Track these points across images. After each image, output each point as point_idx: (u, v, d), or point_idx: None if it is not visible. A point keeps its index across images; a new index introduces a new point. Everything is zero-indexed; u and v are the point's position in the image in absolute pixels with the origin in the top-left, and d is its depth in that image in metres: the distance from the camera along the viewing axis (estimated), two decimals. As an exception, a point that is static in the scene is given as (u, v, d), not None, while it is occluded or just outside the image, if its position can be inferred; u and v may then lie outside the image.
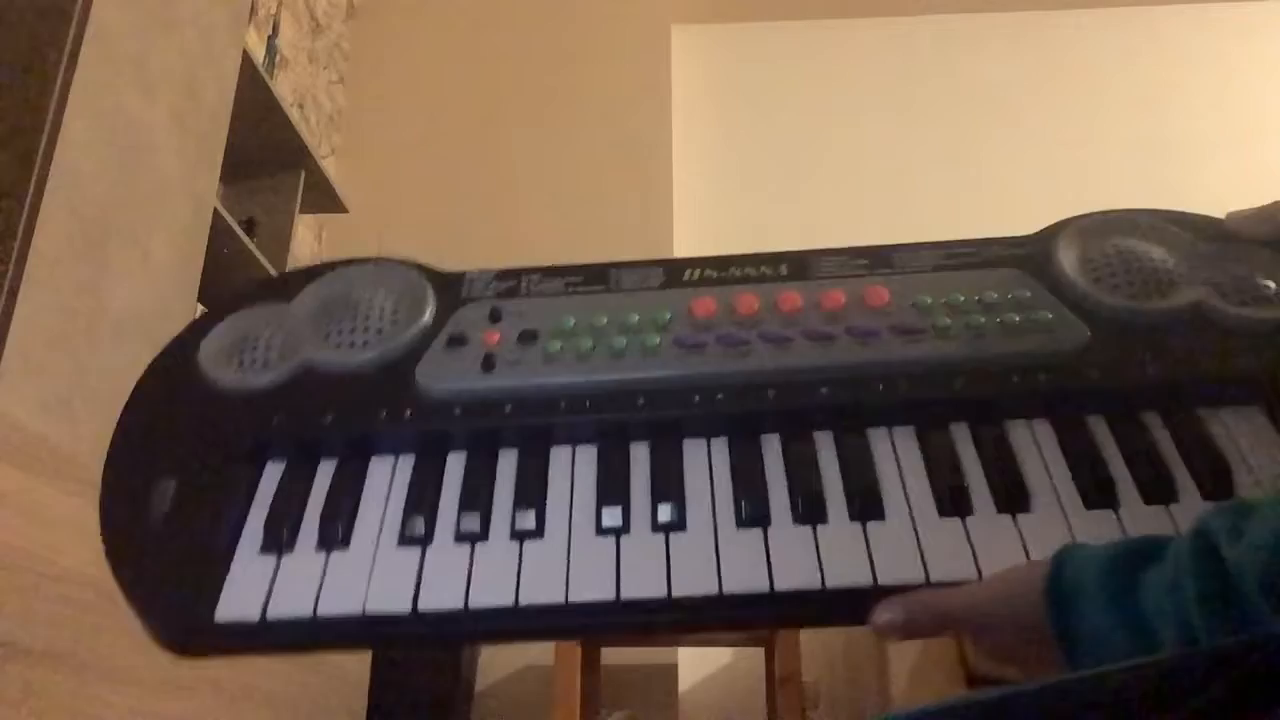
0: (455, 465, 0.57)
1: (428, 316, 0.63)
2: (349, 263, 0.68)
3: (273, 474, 0.57)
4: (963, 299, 0.61)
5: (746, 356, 0.59)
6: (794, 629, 1.90)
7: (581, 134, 3.21)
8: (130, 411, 0.61)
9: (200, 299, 1.90)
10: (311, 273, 0.67)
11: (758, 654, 2.52)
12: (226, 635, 0.51)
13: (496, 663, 2.60)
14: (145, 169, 1.65)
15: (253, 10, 2.50)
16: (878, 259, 0.65)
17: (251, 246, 2.21)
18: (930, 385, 0.57)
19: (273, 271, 2.30)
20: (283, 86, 2.80)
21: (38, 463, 1.10)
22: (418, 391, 0.59)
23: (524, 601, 0.50)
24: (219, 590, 0.51)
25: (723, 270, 0.65)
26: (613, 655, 2.54)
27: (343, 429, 0.58)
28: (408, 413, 0.58)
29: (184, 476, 0.56)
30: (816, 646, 2.54)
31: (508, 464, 0.57)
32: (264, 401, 0.59)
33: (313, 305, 0.65)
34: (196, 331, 0.64)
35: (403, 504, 0.55)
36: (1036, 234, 0.65)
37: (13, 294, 1.31)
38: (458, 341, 0.61)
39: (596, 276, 0.66)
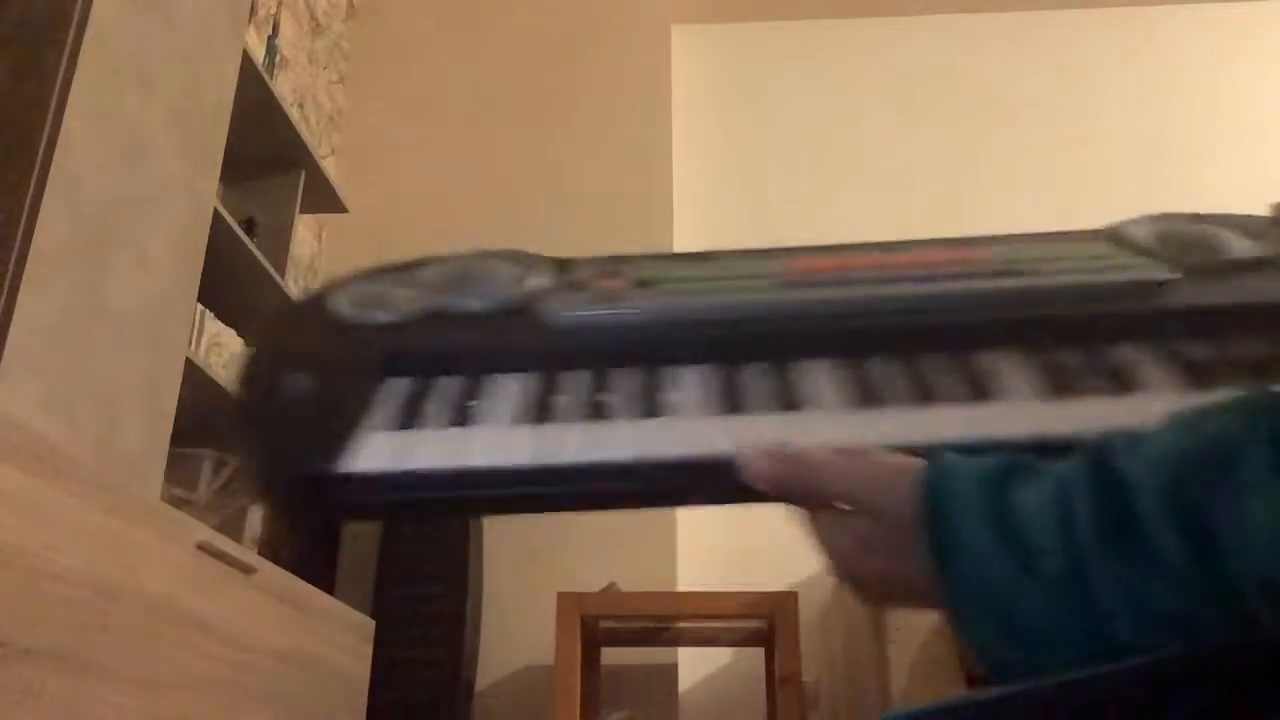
0: (569, 378, 0.62)
1: (545, 279, 0.71)
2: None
3: (397, 384, 0.62)
4: (1049, 256, 0.66)
5: (846, 289, 0.65)
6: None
7: (581, 134, 3.21)
8: (262, 336, 0.68)
9: (200, 299, 1.90)
10: (439, 257, 0.76)
11: (758, 654, 2.52)
12: (330, 488, 0.55)
13: (496, 663, 2.60)
14: (145, 169, 1.65)
15: (253, 10, 2.49)
16: (964, 242, 0.71)
17: (251, 246, 2.21)
18: (1021, 309, 0.62)
19: (273, 271, 2.30)
20: (283, 86, 2.80)
21: (38, 463, 1.10)
22: (538, 321, 0.65)
23: (635, 457, 0.54)
24: (330, 456, 0.56)
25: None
26: (613, 655, 2.54)
27: (467, 348, 0.65)
28: (528, 337, 0.65)
29: (317, 374, 0.62)
30: (816, 646, 2.54)
31: (620, 379, 0.61)
32: (391, 330, 0.67)
33: (439, 273, 0.73)
34: (323, 287, 0.71)
35: (519, 399, 0.60)
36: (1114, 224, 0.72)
37: (13, 294, 1.31)
38: (577, 287, 0.68)
39: (700, 256, 0.74)
